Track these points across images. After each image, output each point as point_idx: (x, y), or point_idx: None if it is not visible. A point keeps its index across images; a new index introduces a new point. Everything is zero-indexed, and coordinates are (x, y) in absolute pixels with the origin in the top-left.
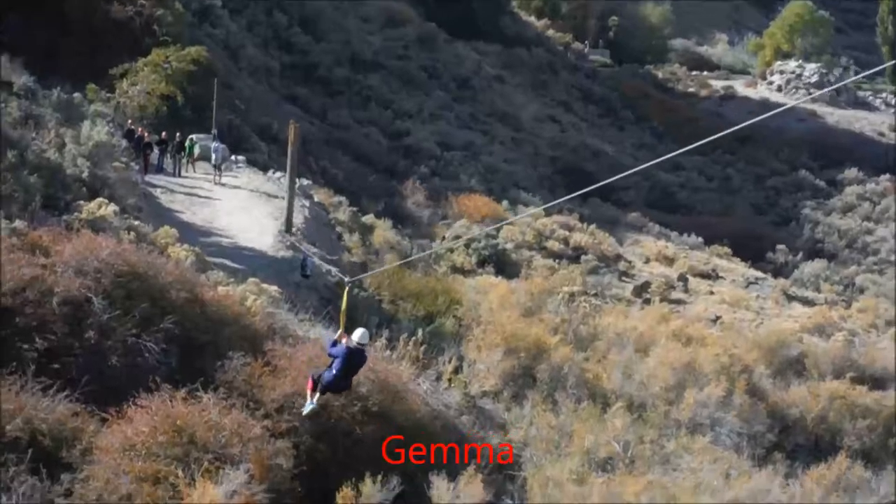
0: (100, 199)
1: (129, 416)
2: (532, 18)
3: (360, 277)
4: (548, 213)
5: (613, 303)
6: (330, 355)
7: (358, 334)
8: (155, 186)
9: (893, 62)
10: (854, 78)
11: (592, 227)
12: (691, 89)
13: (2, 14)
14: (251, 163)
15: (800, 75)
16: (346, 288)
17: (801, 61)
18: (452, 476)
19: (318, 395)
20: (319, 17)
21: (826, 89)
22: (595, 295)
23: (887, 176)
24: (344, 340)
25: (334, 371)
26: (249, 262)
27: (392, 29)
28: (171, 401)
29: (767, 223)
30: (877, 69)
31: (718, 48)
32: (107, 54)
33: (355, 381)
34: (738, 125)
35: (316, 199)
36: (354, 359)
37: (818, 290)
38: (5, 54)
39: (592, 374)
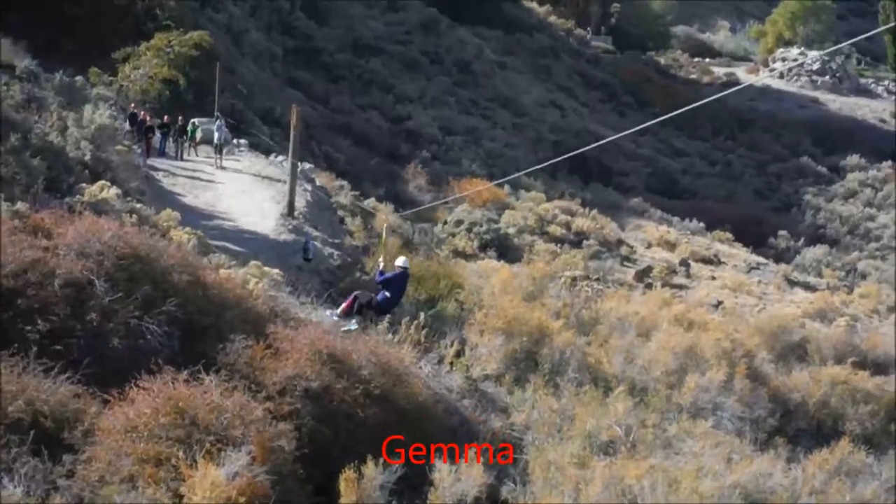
0: (102, 182)
1: (131, 398)
2: (534, 4)
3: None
4: (549, 197)
5: (615, 287)
6: (383, 282)
7: (401, 260)
8: (157, 170)
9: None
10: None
11: (594, 211)
12: (693, 76)
13: (1, 14)
14: (253, 146)
15: (801, 63)
16: (385, 224)
17: (802, 48)
18: (453, 458)
19: (357, 316)
20: (322, 2)
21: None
22: (597, 279)
23: (889, 162)
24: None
25: (388, 294)
26: (251, 246)
27: (394, 14)
28: (172, 383)
29: (769, 209)
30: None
31: (720, 35)
32: (109, 38)
33: (356, 365)
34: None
35: (318, 183)
36: (405, 279)
37: (820, 275)
38: (7, 39)
39: (594, 358)
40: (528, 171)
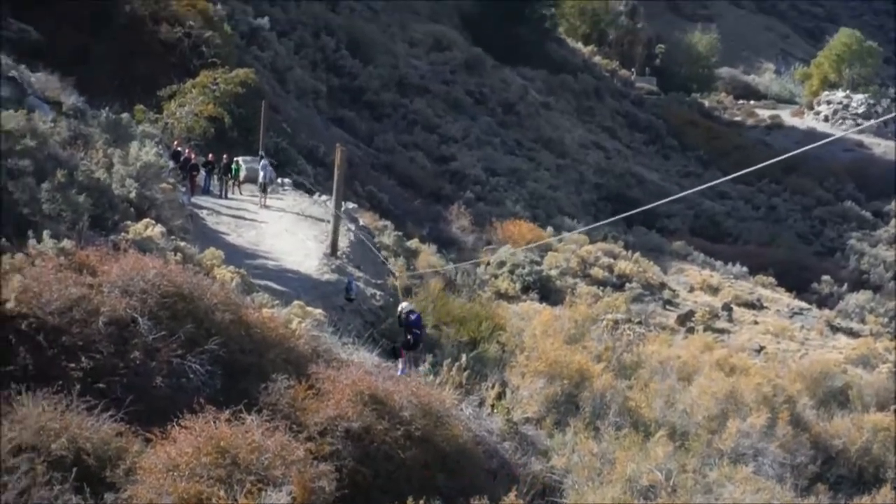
0: (147, 220)
1: (173, 437)
2: (579, 45)
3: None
4: (592, 240)
5: (657, 331)
6: (406, 326)
7: (402, 306)
8: (201, 208)
9: None
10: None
11: (637, 254)
12: (737, 118)
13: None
14: (297, 185)
15: (847, 105)
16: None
17: (848, 91)
18: (494, 501)
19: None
20: (367, 41)
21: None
22: (639, 323)
23: None
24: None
25: (410, 336)
26: (294, 285)
27: (439, 53)
28: (214, 422)
29: (812, 253)
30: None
31: (765, 77)
32: (155, 76)
33: (398, 406)
34: (785, 154)
35: (361, 223)
36: (406, 320)
37: (863, 321)
38: (54, 75)
39: (635, 402)
40: (585, 228)
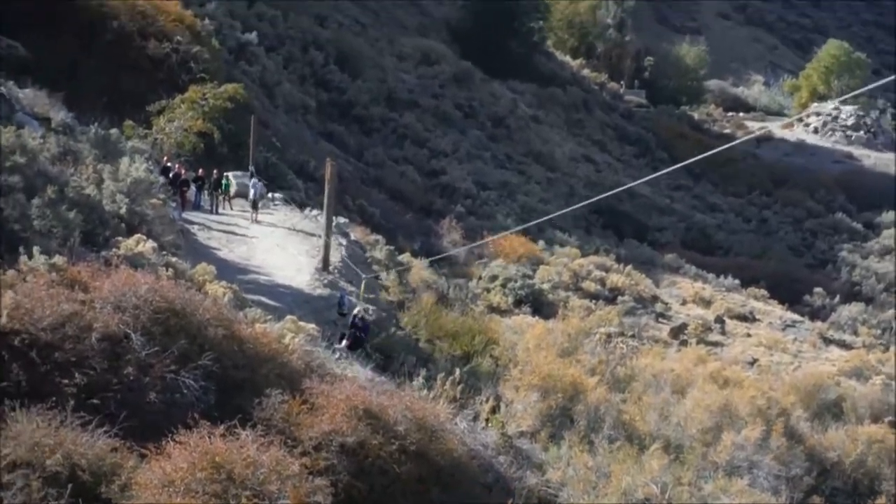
0: (138, 236)
1: (168, 452)
2: (567, 58)
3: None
4: (584, 253)
5: (650, 344)
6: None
7: (357, 309)
8: (192, 223)
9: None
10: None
11: (629, 267)
12: (727, 130)
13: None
14: (288, 200)
15: (836, 117)
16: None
17: (837, 103)
18: None
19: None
20: (355, 55)
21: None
22: (632, 336)
23: None
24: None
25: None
26: (287, 300)
27: (428, 67)
28: (209, 437)
29: (804, 265)
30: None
31: (754, 89)
32: (144, 91)
33: (392, 420)
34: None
35: (353, 238)
36: (357, 324)
37: (855, 333)
38: (42, 91)
39: (629, 415)
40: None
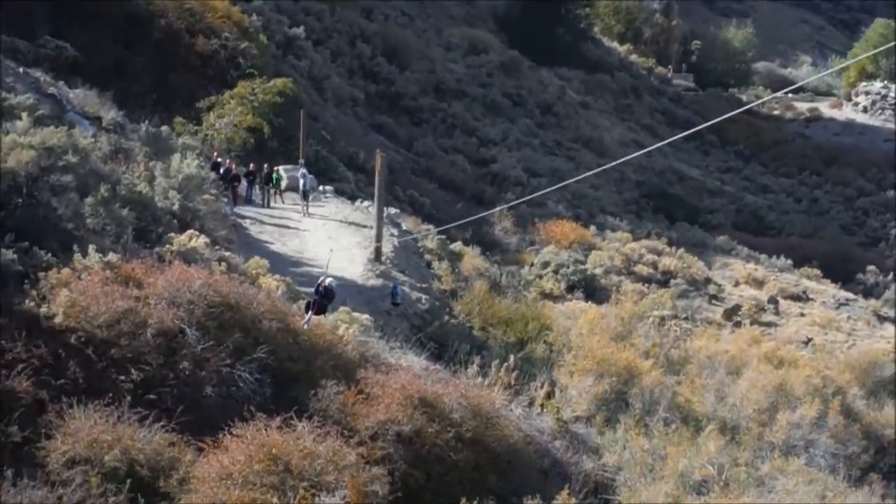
0: (191, 231)
1: (225, 446)
2: (615, 44)
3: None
4: (636, 237)
5: (704, 326)
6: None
7: (328, 279)
8: (244, 218)
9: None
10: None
11: (681, 250)
12: (776, 112)
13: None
14: (339, 192)
15: (885, 96)
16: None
17: (885, 82)
18: (547, 500)
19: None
20: (403, 47)
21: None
22: (685, 318)
23: None
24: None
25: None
26: (340, 292)
27: (475, 56)
28: (266, 430)
29: (856, 244)
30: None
31: (802, 70)
32: (194, 87)
33: (448, 408)
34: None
35: (404, 228)
36: (324, 292)
37: None
38: (93, 90)
39: (684, 397)
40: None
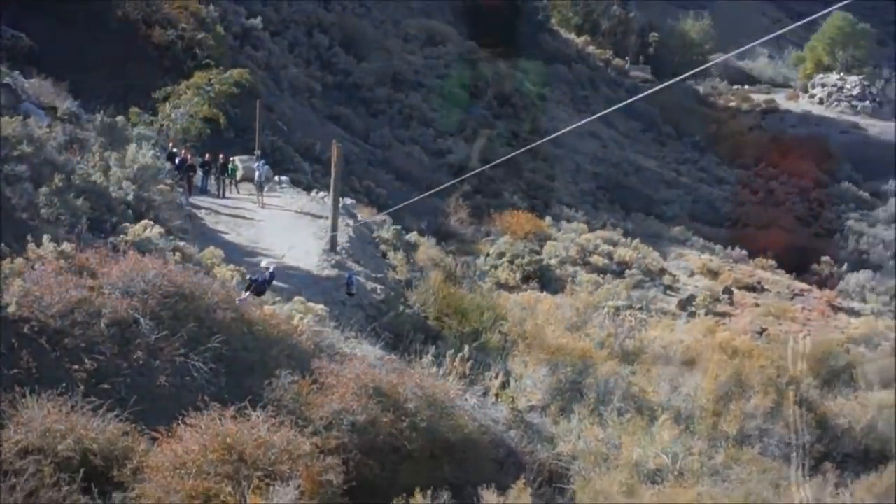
0: (145, 221)
1: (179, 435)
2: (572, 35)
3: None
4: (592, 228)
5: (659, 316)
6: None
7: (268, 262)
8: (199, 208)
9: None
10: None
11: (636, 241)
12: (733, 103)
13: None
14: (295, 183)
15: (841, 88)
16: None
17: (842, 74)
18: (502, 490)
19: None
20: (361, 37)
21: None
22: (640, 309)
23: None
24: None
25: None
26: (295, 282)
27: (433, 47)
28: (220, 419)
29: (812, 235)
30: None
31: (759, 62)
32: (149, 77)
33: (402, 398)
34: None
35: (360, 218)
36: (264, 277)
37: (864, 300)
38: (48, 80)
39: (639, 387)
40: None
